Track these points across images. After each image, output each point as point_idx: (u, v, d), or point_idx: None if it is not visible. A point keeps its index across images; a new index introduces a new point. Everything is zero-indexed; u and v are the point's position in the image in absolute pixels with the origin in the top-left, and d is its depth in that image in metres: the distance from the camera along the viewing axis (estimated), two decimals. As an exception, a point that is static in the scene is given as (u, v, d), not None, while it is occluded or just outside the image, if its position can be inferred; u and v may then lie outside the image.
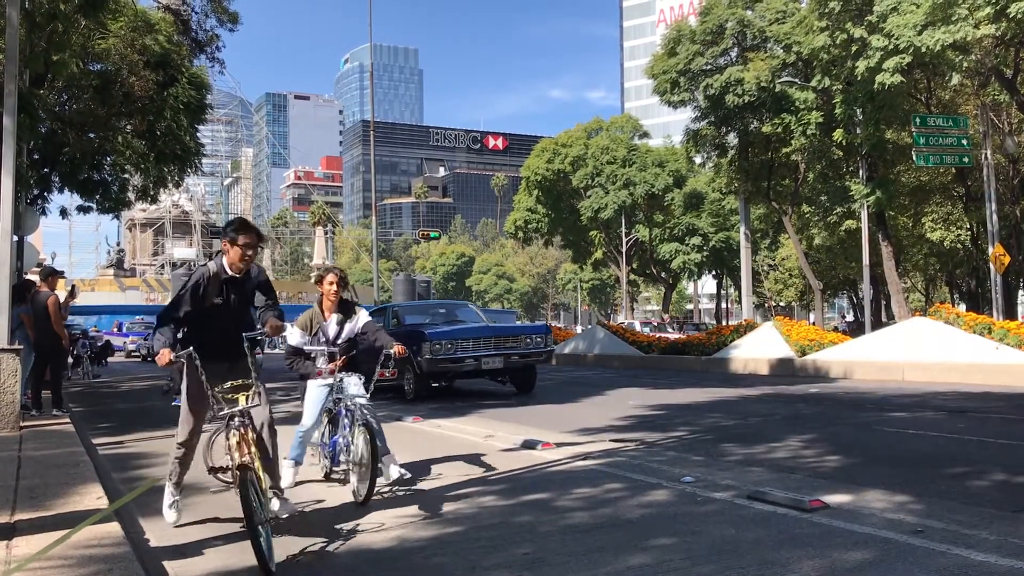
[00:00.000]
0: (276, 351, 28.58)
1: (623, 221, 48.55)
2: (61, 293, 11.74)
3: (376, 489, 5.35)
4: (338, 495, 5.62)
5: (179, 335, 4.66)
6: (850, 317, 50.01)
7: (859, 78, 21.16)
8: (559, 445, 7.47)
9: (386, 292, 55.74)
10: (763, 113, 28.31)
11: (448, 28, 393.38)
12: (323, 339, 5.97)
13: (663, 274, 53.24)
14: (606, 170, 48.12)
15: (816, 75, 24.50)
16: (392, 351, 5.69)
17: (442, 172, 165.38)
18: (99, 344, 27.85)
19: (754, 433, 8.32)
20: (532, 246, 68.26)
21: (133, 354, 38.99)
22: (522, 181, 52.92)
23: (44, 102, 14.83)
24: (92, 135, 17.67)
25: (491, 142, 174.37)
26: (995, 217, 21.87)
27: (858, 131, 23.54)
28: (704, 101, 29.42)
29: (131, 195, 21.59)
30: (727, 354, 18.84)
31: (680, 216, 49.07)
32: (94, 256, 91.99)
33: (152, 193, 21.90)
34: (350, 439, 5.51)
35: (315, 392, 5.94)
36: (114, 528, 4.19)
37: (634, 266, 53.90)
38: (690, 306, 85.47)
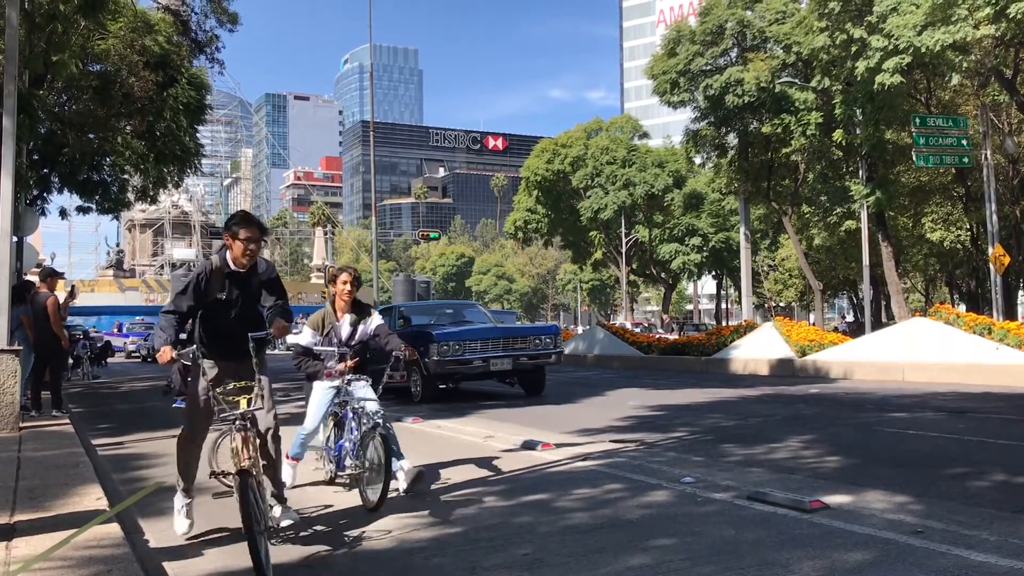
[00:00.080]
0: (275, 351, 28.57)
1: (623, 221, 48.58)
2: (61, 294, 11.74)
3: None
4: (342, 499, 5.60)
5: (182, 334, 4.54)
6: (850, 317, 50.01)
7: (859, 78, 21.17)
8: (559, 446, 7.47)
9: (386, 293, 55.76)
10: (763, 113, 28.32)
11: (448, 28, 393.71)
12: (335, 340, 5.82)
13: (663, 274, 53.27)
14: (606, 170, 48.14)
15: (816, 75, 24.51)
16: (402, 354, 5.60)
17: (442, 172, 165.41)
18: (99, 345, 27.84)
19: (754, 434, 8.32)
20: (532, 246, 68.26)
21: (133, 355, 38.98)
22: (522, 181, 52.94)
23: (44, 103, 14.84)
24: (92, 136, 17.66)
25: (491, 142, 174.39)
26: (995, 217, 21.87)
27: (858, 131, 23.54)
28: (704, 101, 29.43)
29: (131, 196, 21.59)
30: (727, 354, 18.84)
31: (680, 216, 49.10)
32: (93, 257, 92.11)
33: (152, 194, 21.91)
34: (358, 443, 5.39)
35: (322, 394, 5.80)
36: (114, 529, 4.18)
37: (634, 266, 53.94)
38: (690, 306, 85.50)
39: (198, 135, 22.06)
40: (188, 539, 4.52)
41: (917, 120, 21.95)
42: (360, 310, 5.91)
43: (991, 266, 21.55)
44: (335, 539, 4.61)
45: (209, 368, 4.33)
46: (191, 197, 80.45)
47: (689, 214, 49.03)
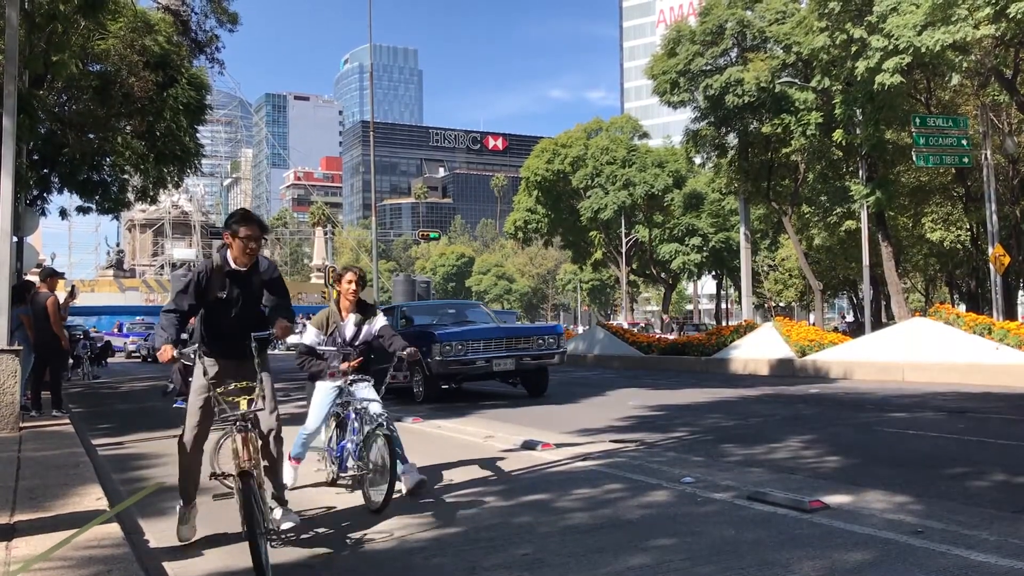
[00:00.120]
0: (275, 351, 28.57)
1: (623, 221, 48.56)
2: (61, 294, 11.74)
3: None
4: (342, 500, 5.60)
5: (183, 333, 4.49)
6: (850, 317, 50.02)
7: (859, 78, 21.17)
8: (559, 446, 7.47)
9: (386, 293, 55.79)
10: (763, 113, 28.32)
11: (448, 28, 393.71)
12: (339, 340, 5.77)
13: (663, 274, 53.25)
14: (606, 170, 48.13)
15: (816, 75, 24.51)
16: (404, 354, 5.54)
17: (442, 172, 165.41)
18: (99, 345, 27.84)
19: (754, 434, 8.32)
20: (532, 247, 68.25)
21: (133, 355, 38.99)
22: (522, 181, 52.93)
23: (44, 103, 14.83)
24: (92, 136, 17.66)
25: (491, 142, 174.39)
26: (995, 217, 21.87)
27: (858, 131, 23.54)
28: (704, 101, 29.42)
29: (131, 196, 21.59)
30: (727, 354, 18.84)
31: (680, 216, 49.09)
32: (94, 257, 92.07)
33: (152, 194, 21.91)
34: (361, 444, 5.33)
35: (324, 394, 5.75)
36: (114, 529, 4.19)
37: (634, 266, 53.93)
38: (690, 306, 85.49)
39: (198, 135, 22.06)
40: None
41: (917, 120, 21.95)
42: (365, 310, 5.86)
43: (991, 266, 21.54)
44: (335, 539, 4.62)
45: (210, 367, 4.29)
46: (191, 197, 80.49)
47: (689, 214, 49.03)
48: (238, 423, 4.06)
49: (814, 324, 28.86)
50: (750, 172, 30.84)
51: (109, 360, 30.20)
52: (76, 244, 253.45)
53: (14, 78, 8.86)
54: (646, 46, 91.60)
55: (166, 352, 4.07)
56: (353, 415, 5.51)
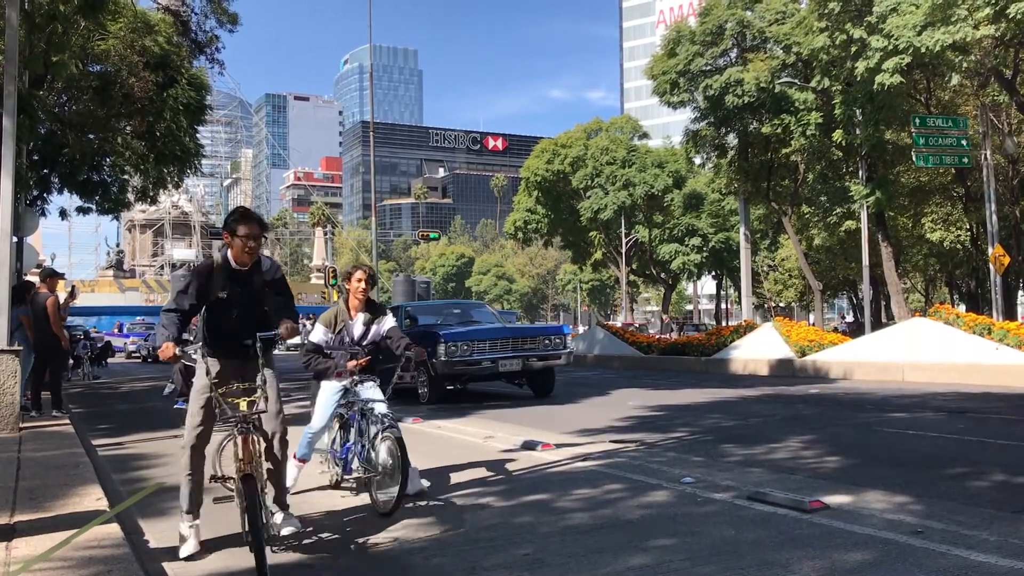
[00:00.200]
0: (276, 352, 28.49)
1: (623, 222, 48.56)
2: (61, 294, 11.74)
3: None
4: (343, 500, 5.60)
5: (184, 333, 4.45)
6: (850, 318, 50.02)
7: (859, 79, 21.17)
8: (559, 446, 7.46)
9: (386, 293, 55.75)
10: (763, 114, 28.31)
11: (448, 29, 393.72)
12: (347, 339, 5.69)
13: (663, 275, 53.25)
14: (606, 171, 48.13)
15: (816, 76, 24.51)
16: (412, 353, 5.46)
17: (442, 173, 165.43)
18: (99, 345, 27.83)
19: (754, 434, 8.32)
20: (532, 247, 68.24)
21: (133, 355, 38.98)
22: (522, 182, 52.91)
23: (44, 103, 14.84)
24: (92, 136, 17.66)
25: (491, 143, 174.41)
26: (995, 217, 21.87)
27: (858, 132, 23.55)
28: (704, 102, 29.41)
29: (130, 196, 21.59)
30: (727, 355, 18.84)
31: (680, 217, 49.09)
32: (94, 257, 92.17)
33: (152, 194, 21.91)
34: (368, 445, 5.22)
35: (329, 393, 5.66)
36: (114, 529, 4.19)
37: (634, 267, 53.92)
38: (690, 307, 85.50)
39: (198, 135, 22.06)
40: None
41: (917, 120, 21.95)
42: (374, 309, 5.79)
43: (991, 266, 21.55)
44: (335, 539, 4.61)
45: (212, 367, 4.25)
46: (191, 197, 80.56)
47: (689, 214, 49.03)
48: (239, 425, 4.01)
49: (814, 324, 28.86)
50: (750, 172, 30.84)
51: (109, 360, 30.19)
52: (76, 244, 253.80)
53: (14, 78, 8.86)
54: (646, 46, 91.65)
55: (168, 350, 4.03)
56: (359, 416, 5.43)
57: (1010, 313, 27.12)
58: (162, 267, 75.24)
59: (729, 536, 4.33)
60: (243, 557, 4.01)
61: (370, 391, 5.53)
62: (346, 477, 5.62)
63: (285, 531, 4.46)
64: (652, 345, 22.55)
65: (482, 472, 6.45)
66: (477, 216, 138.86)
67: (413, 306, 15.57)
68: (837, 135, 24.18)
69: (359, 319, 5.72)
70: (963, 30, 18.18)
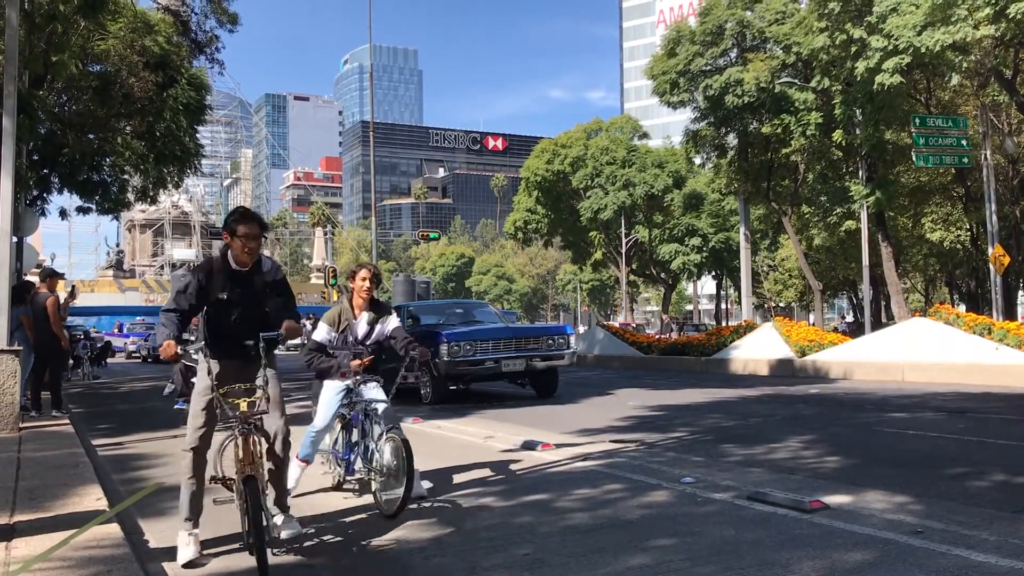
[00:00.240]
0: (277, 352, 28.48)
1: (623, 222, 48.56)
2: (61, 294, 11.73)
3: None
4: (344, 501, 5.59)
5: (185, 333, 4.38)
6: (850, 318, 50.03)
7: (859, 79, 21.17)
8: (559, 446, 7.46)
9: (386, 293, 55.74)
10: (763, 114, 28.31)
11: (448, 29, 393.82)
12: (351, 338, 5.62)
13: (663, 275, 53.24)
14: (606, 171, 48.12)
15: (816, 76, 24.51)
16: (416, 353, 5.39)
17: (442, 173, 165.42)
18: (99, 345, 27.83)
19: (754, 434, 8.32)
20: (532, 247, 68.19)
21: (134, 355, 38.98)
22: (522, 182, 52.91)
23: (43, 103, 14.84)
24: (91, 136, 17.67)
25: (491, 143, 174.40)
26: (995, 217, 21.87)
27: (858, 132, 23.55)
28: (704, 102, 29.40)
29: (130, 196, 21.60)
30: (727, 355, 18.84)
31: (680, 217, 49.09)
32: (93, 257, 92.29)
33: (151, 194, 21.92)
34: (373, 446, 5.15)
35: (332, 393, 5.59)
36: (114, 529, 4.19)
37: (634, 267, 53.92)
38: (690, 307, 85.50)
39: (198, 135, 22.07)
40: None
41: (917, 120, 21.95)
42: (378, 309, 5.72)
43: (991, 266, 21.55)
44: (335, 539, 4.61)
45: (213, 367, 4.21)
46: (191, 197, 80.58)
47: (689, 214, 49.02)
48: (240, 425, 3.97)
49: (814, 324, 28.86)
50: (750, 172, 30.84)
51: (109, 360, 30.19)
52: (76, 244, 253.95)
53: (14, 78, 8.86)
54: (646, 46, 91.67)
55: (169, 348, 3.95)
56: (362, 416, 5.37)
57: (1010, 313, 27.12)
58: (162, 267, 75.26)
59: (729, 536, 4.33)
60: (243, 558, 4.01)
61: (373, 391, 5.47)
62: (348, 478, 5.58)
63: (285, 534, 4.41)
64: (652, 345, 22.55)
65: (482, 472, 6.45)
66: (477, 216, 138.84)
67: (415, 306, 15.43)
68: (837, 135, 24.18)
69: (363, 318, 5.66)
70: (963, 30, 18.18)
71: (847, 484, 5.52)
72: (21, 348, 9.20)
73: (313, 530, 4.72)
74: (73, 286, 17.72)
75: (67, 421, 9.72)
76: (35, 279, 11.89)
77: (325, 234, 78.90)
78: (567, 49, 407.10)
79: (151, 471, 6.95)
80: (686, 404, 11.46)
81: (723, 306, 64.84)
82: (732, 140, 31.11)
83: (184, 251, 76.28)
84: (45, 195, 19.02)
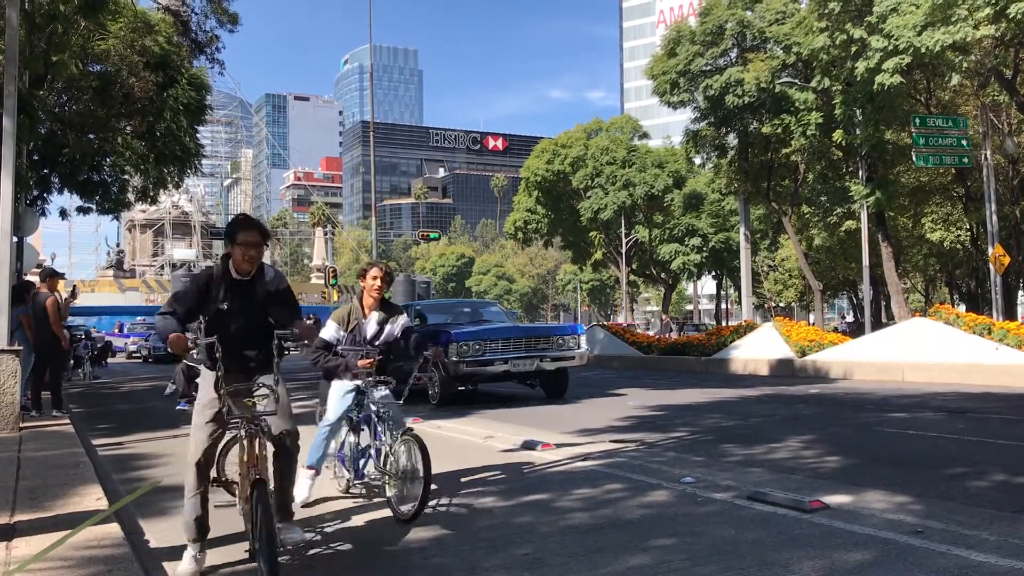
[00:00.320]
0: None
1: (623, 222, 48.55)
2: (62, 294, 11.73)
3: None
4: (345, 501, 5.58)
5: (187, 332, 4.37)
6: (850, 318, 50.01)
7: (859, 79, 21.16)
8: (559, 446, 7.46)
9: (385, 293, 55.65)
10: (763, 114, 28.31)
11: (448, 29, 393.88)
12: (359, 338, 5.47)
13: (663, 275, 53.23)
14: (606, 171, 48.11)
15: (816, 76, 24.50)
16: (428, 353, 5.29)
17: (442, 173, 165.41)
18: (99, 345, 27.83)
19: (754, 434, 8.32)
20: (532, 247, 68.16)
21: (134, 355, 38.99)
22: (522, 182, 52.89)
23: (44, 103, 14.85)
24: (92, 136, 17.68)
25: (491, 143, 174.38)
26: (995, 218, 21.87)
27: (858, 132, 23.54)
28: (704, 102, 29.41)
29: (131, 196, 21.61)
30: (727, 355, 18.84)
31: (680, 217, 49.08)
32: (94, 257, 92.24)
33: (152, 194, 21.93)
34: (387, 449, 5.02)
35: (340, 393, 5.45)
36: (114, 529, 4.19)
37: (634, 267, 53.91)
38: (690, 307, 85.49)
39: (198, 135, 22.07)
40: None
41: (917, 120, 21.95)
42: (389, 308, 5.59)
43: (991, 266, 21.54)
44: (334, 540, 4.61)
45: (212, 377, 4.01)
46: (191, 197, 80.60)
47: (689, 214, 49.01)
48: (246, 426, 3.85)
49: (814, 324, 28.86)
50: (750, 172, 30.84)
51: (109, 360, 30.20)
52: (76, 244, 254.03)
53: (14, 78, 8.86)
54: (646, 46, 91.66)
55: (179, 339, 3.73)
56: (375, 419, 5.24)
57: (1010, 313, 27.12)
58: (162, 267, 75.26)
59: (729, 536, 4.33)
60: (243, 557, 4.01)
61: (384, 393, 5.35)
62: (356, 482, 5.47)
63: (289, 544, 4.26)
64: (652, 345, 22.55)
65: (482, 472, 6.45)
66: (477, 216, 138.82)
67: (423, 305, 15.11)
68: (837, 135, 24.17)
69: (373, 318, 5.52)
70: (963, 30, 18.18)
71: (847, 484, 5.52)
72: (21, 348, 9.21)
73: (318, 536, 4.67)
74: (74, 286, 17.75)
75: (67, 421, 9.72)
76: (35, 279, 11.88)
77: (325, 234, 78.91)
78: (567, 49, 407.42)
79: (151, 471, 6.95)
80: (686, 404, 11.46)
81: (723, 306, 64.84)
82: (732, 140, 31.10)
83: (184, 251, 76.33)
84: (45, 195, 19.03)
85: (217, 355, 3.86)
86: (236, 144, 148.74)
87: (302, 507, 5.14)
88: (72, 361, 20.23)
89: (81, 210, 20.88)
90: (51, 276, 11.27)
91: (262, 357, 4.10)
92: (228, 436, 4.16)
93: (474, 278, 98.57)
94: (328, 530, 4.80)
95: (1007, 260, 21.20)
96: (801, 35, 25.76)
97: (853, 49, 21.46)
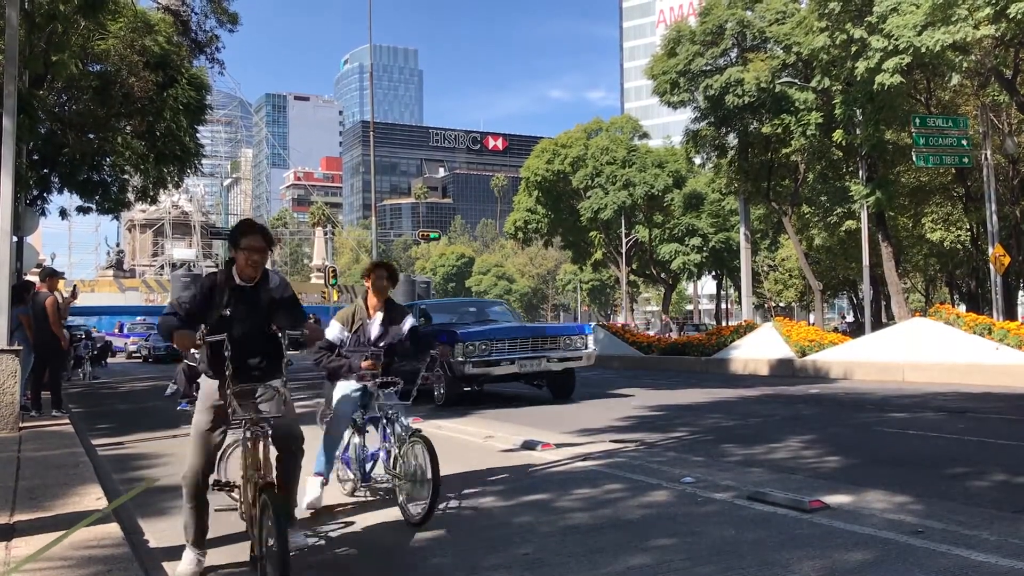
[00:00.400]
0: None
1: (623, 222, 48.55)
2: (63, 294, 11.73)
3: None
4: (347, 504, 5.57)
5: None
6: (850, 318, 50.03)
7: (859, 79, 21.17)
8: (559, 446, 7.46)
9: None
10: (763, 114, 28.31)
11: (448, 29, 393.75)
12: (363, 339, 5.38)
13: (663, 275, 53.23)
14: (606, 171, 48.11)
15: (816, 76, 24.51)
16: (435, 352, 5.23)
17: (442, 173, 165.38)
18: (99, 345, 27.82)
19: (754, 434, 8.32)
20: (532, 247, 68.18)
21: (134, 355, 39.00)
22: (522, 182, 52.90)
23: (44, 103, 14.85)
24: (92, 136, 17.69)
25: (491, 143, 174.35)
26: (995, 217, 21.87)
27: (858, 132, 23.54)
28: (704, 102, 29.41)
29: (131, 196, 21.62)
30: (727, 355, 18.84)
31: (680, 217, 49.08)
32: (94, 257, 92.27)
33: (152, 194, 21.94)
34: (396, 451, 4.97)
35: (346, 396, 5.35)
36: (113, 529, 4.18)
37: (634, 267, 53.90)
38: (690, 307, 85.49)
39: (198, 135, 22.09)
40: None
41: (917, 120, 21.95)
42: (394, 309, 5.49)
43: (991, 266, 21.54)
44: (335, 538, 4.61)
45: (212, 387, 3.97)
46: (191, 197, 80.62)
47: (689, 214, 49.01)
48: (251, 428, 3.80)
49: (814, 324, 28.87)
50: (750, 172, 30.84)
51: (109, 360, 30.20)
52: (76, 244, 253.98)
53: (14, 78, 8.86)
54: (646, 46, 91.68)
55: (185, 337, 3.69)
56: (383, 421, 5.18)
57: (1010, 313, 27.12)
58: (162, 267, 75.27)
59: (729, 536, 4.33)
60: (243, 557, 4.01)
61: (391, 395, 5.29)
62: (363, 485, 5.42)
63: (291, 546, 4.18)
64: (652, 345, 22.55)
65: (482, 472, 6.44)
66: (477, 216, 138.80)
67: (428, 304, 14.94)
68: (837, 135, 24.17)
69: (377, 319, 5.43)
70: (963, 30, 18.18)
71: (847, 484, 5.52)
72: (21, 348, 9.21)
73: (321, 541, 4.65)
74: (75, 286, 17.74)
75: (67, 421, 9.72)
76: (35, 279, 11.88)
77: (325, 234, 78.86)
78: (567, 49, 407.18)
79: (151, 471, 6.95)
80: (686, 404, 11.46)
81: (723, 306, 64.84)
82: (732, 140, 31.10)
83: (184, 251, 76.35)
84: (45, 195, 19.04)
85: (226, 353, 3.80)
86: (236, 144, 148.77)
87: (310, 512, 5.11)
88: (72, 361, 20.22)
89: (81, 210, 20.90)
90: (51, 276, 11.26)
91: (265, 365, 4.04)
92: (230, 439, 4.12)
93: (474, 278, 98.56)
94: (329, 532, 4.80)
95: (1007, 260, 21.20)
96: (801, 35, 25.76)
97: (853, 49, 21.46)
